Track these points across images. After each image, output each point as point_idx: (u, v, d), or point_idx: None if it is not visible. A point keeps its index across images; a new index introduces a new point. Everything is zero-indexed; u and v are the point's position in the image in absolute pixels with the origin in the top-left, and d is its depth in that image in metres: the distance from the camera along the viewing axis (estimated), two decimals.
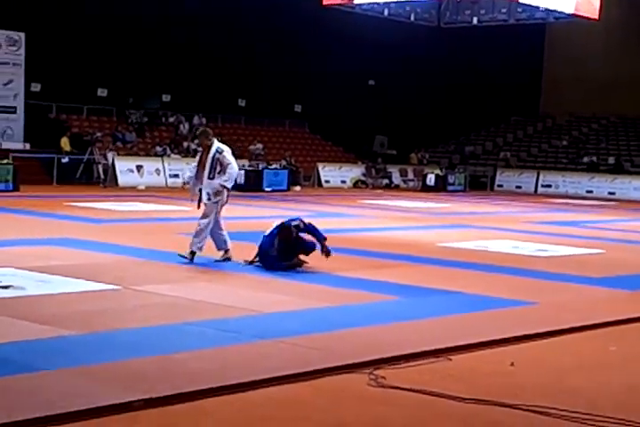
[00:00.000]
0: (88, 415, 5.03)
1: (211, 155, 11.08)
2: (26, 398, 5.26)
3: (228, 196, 11.28)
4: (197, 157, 11.65)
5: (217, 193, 11.10)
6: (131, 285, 9.20)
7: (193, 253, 11.05)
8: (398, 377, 6.10)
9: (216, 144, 11.21)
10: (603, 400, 5.89)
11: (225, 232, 11.35)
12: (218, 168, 11.04)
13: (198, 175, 11.24)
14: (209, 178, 11.08)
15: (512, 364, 6.67)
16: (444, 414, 5.46)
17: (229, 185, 11.07)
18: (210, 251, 11.35)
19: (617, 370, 6.81)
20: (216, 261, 11.22)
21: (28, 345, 6.52)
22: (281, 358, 6.48)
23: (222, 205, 11.31)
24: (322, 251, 10.78)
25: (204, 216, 11.19)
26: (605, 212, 25.80)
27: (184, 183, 11.80)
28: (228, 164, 11.02)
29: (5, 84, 29.19)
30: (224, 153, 11.07)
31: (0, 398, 5.27)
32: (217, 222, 11.26)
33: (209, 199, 11.15)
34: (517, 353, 7.07)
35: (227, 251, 11.28)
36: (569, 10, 27.33)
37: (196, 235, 11.09)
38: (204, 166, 11.13)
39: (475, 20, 28.68)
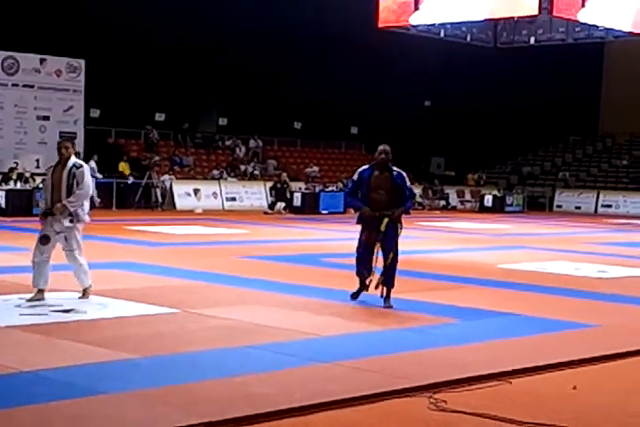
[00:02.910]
0: None
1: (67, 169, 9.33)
2: (87, 422, 5.30)
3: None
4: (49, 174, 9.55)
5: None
6: (189, 308, 9.24)
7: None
8: (459, 401, 6.04)
9: (73, 158, 9.47)
10: None
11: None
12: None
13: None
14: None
15: (574, 387, 6.57)
16: None
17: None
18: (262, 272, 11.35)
19: None
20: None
21: (90, 368, 6.57)
22: (341, 382, 6.45)
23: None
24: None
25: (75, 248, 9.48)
26: None
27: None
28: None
29: (66, 111, 29.70)
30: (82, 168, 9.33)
31: (62, 421, 5.31)
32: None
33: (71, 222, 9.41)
34: (580, 376, 6.96)
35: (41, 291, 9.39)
36: (627, 28, 27.05)
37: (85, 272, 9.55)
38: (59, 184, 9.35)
39: (532, 40, 28.50)
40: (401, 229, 9.82)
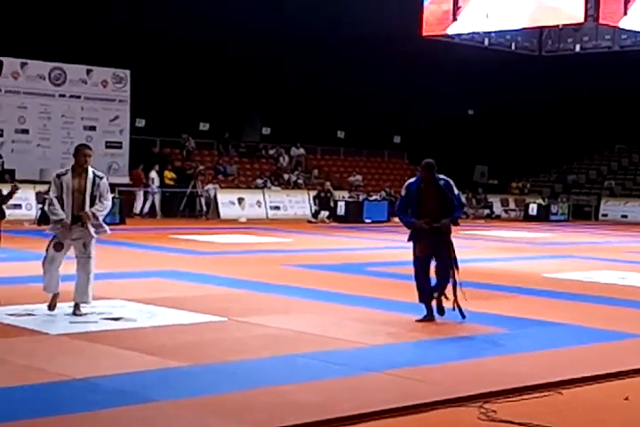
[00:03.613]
0: None
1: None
2: None
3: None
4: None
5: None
6: (236, 316, 9.27)
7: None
8: (509, 411, 5.99)
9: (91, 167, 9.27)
10: None
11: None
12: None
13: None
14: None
15: (627, 398, 6.49)
16: None
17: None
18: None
19: None
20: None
21: (139, 376, 6.62)
22: (389, 391, 6.43)
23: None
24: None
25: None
26: None
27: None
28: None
29: (112, 120, 29.99)
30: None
31: None
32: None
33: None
34: (632, 387, 6.88)
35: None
36: None
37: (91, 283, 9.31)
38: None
39: (577, 48, 28.33)
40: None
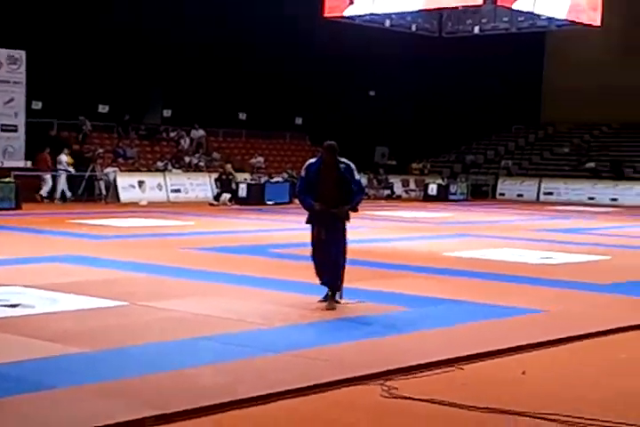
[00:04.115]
0: None
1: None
2: (39, 417, 5.26)
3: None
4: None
5: None
6: (138, 300, 9.19)
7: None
8: (410, 388, 6.09)
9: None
10: (613, 407, 5.87)
11: None
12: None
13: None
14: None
15: (523, 372, 6.67)
16: (457, 424, 5.47)
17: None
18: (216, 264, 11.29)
19: (627, 377, 6.79)
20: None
21: (40, 363, 6.52)
22: (292, 372, 6.47)
23: None
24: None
25: None
26: (609, 218, 25.79)
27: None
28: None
29: (7, 103, 29.18)
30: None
31: (13, 416, 5.26)
32: None
33: None
34: (528, 361, 7.06)
35: None
36: (564, 16, 27.35)
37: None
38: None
39: (476, 30, 28.70)
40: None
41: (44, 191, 27.38)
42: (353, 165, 9.28)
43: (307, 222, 9.42)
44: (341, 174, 9.19)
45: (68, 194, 27.78)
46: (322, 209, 9.14)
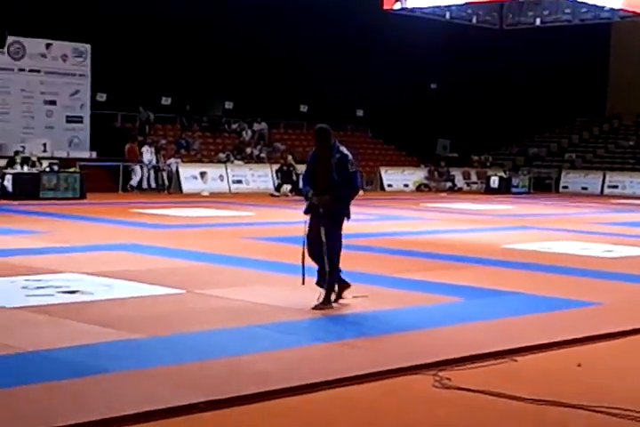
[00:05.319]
0: (155, 417, 5.09)
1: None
2: (95, 400, 5.34)
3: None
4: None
5: None
6: (195, 289, 9.28)
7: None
8: (463, 378, 6.06)
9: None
10: None
11: None
12: None
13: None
14: None
15: (579, 365, 6.60)
16: (510, 415, 5.42)
17: None
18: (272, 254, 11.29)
19: None
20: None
21: (97, 348, 6.62)
22: (346, 360, 6.48)
23: None
24: None
25: None
26: None
27: None
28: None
29: (72, 95, 29.71)
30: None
31: (72, 399, 5.36)
32: None
33: None
34: (584, 354, 6.99)
35: None
36: (617, 5, 26.84)
37: None
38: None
39: (538, 21, 28.43)
40: (343, 219, 8.60)
41: (135, 182, 27.84)
42: (349, 157, 8.50)
43: (304, 213, 8.73)
44: (335, 164, 8.42)
45: (153, 184, 28.30)
46: (311, 198, 8.56)
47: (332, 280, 8.54)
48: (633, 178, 35.33)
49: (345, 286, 8.71)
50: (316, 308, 8.32)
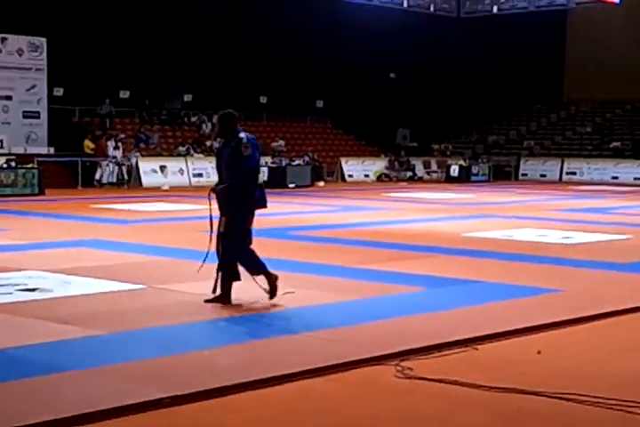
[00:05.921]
0: (117, 414, 5.07)
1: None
2: (55, 398, 5.32)
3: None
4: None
5: None
6: (156, 284, 9.24)
7: None
8: (425, 368, 6.09)
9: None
10: (631, 386, 5.85)
11: None
12: None
13: None
14: None
15: (539, 352, 6.65)
16: (472, 404, 5.46)
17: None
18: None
19: None
20: None
21: (57, 346, 6.58)
22: (307, 352, 6.49)
23: None
24: None
25: None
26: (631, 197, 25.62)
27: None
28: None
29: (28, 90, 29.38)
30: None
31: (30, 398, 5.31)
32: None
33: None
34: (544, 341, 7.04)
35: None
36: None
37: None
38: None
39: (495, 9, 28.60)
40: (242, 207, 8.28)
41: (104, 177, 27.71)
42: (245, 140, 8.03)
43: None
44: (231, 149, 8.08)
45: (113, 179, 28.14)
46: (213, 189, 8.34)
47: (224, 272, 8.21)
48: (590, 164, 35.67)
49: (265, 275, 8.29)
50: (207, 301, 8.11)
